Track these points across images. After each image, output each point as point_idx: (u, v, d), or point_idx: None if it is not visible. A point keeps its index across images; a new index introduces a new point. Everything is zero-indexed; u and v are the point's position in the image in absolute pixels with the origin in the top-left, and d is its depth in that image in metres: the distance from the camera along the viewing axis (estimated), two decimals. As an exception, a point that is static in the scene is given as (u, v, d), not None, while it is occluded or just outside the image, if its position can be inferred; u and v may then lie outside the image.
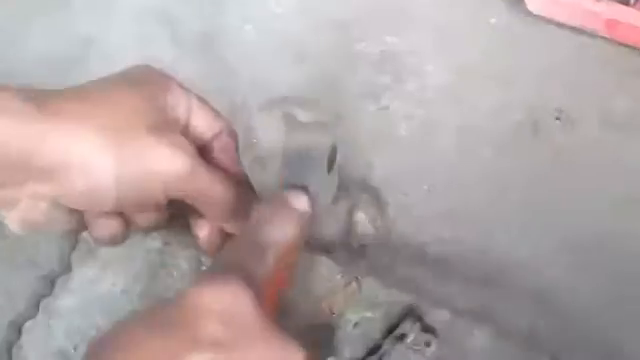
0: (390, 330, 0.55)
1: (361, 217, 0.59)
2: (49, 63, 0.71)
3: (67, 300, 0.58)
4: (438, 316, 0.55)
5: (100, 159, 0.42)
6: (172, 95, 0.47)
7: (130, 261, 0.59)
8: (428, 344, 0.54)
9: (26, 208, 0.43)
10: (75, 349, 0.55)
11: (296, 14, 0.75)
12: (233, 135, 0.50)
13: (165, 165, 0.44)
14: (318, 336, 0.54)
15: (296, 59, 0.72)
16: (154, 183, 0.45)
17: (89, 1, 0.77)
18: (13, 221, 0.45)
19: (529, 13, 0.71)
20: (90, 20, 0.75)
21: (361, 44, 0.72)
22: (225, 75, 0.70)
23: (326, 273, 0.55)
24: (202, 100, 0.49)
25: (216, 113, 0.50)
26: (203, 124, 0.49)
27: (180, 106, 0.47)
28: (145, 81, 0.47)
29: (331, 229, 0.59)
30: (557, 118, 0.66)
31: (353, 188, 0.61)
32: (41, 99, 0.42)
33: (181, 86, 0.48)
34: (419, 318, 0.55)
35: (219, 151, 0.50)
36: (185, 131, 0.48)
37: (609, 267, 0.59)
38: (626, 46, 0.69)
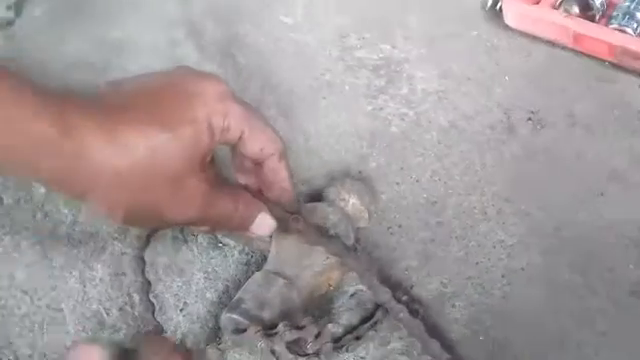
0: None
1: (356, 203, 0.58)
2: (83, 66, 0.71)
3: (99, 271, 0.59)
4: (424, 290, 0.57)
5: (119, 201, 0.40)
6: (227, 121, 0.43)
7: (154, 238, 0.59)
8: (415, 313, 0.54)
9: None
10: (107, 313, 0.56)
11: (303, 25, 0.74)
12: (283, 158, 0.48)
13: (176, 216, 0.43)
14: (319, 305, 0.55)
15: (302, 65, 0.71)
16: (162, 224, 0.45)
17: (122, 11, 0.76)
18: None
19: (506, 27, 0.71)
20: (122, 28, 0.74)
21: (360, 51, 0.71)
22: (241, 78, 0.70)
23: (325, 252, 0.53)
24: (261, 123, 0.46)
25: (271, 137, 0.47)
26: (254, 150, 0.46)
27: (233, 131, 0.44)
28: (196, 117, 0.41)
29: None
30: (529, 119, 0.66)
31: (350, 178, 0.62)
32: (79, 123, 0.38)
33: (242, 113, 0.44)
34: (407, 291, 0.57)
35: (269, 171, 0.48)
36: (233, 148, 0.46)
37: (572, 250, 0.58)
38: (591, 57, 0.69)
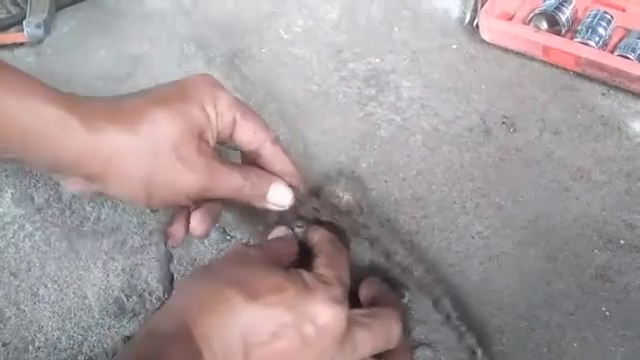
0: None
1: (349, 200, 0.58)
2: (105, 77, 0.71)
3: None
4: (410, 276, 0.57)
5: (133, 177, 0.41)
6: (219, 106, 0.44)
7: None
8: (402, 296, 0.56)
9: None
10: (128, 299, 0.57)
11: (301, 40, 0.75)
12: (277, 142, 0.48)
13: (186, 183, 0.43)
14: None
15: (301, 76, 0.72)
16: (178, 195, 0.44)
17: (138, 28, 0.76)
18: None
19: (482, 40, 0.72)
20: (139, 43, 0.75)
21: (352, 64, 0.72)
22: (246, 88, 0.70)
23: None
24: (250, 110, 0.46)
25: (262, 122, 0.47)
26: (248, 135, 0.46)
27: (226, 116, 0.45)
28: (188, 97, 0.43)
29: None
30: (503, 123, 0.66)
31: (344, 177, 0.62)
32: (92, 119, 0.40)
33: (231, 100, 0.45)
34: (394, 278, 0.57)
35: (269, 158, 0.47)
36: (230, 138, 0.46)
37: (542, 240, 0.59)
38: (558, 67, 0.70)
